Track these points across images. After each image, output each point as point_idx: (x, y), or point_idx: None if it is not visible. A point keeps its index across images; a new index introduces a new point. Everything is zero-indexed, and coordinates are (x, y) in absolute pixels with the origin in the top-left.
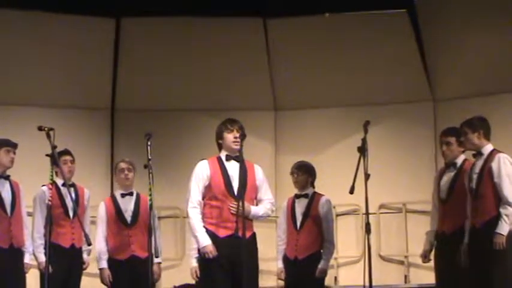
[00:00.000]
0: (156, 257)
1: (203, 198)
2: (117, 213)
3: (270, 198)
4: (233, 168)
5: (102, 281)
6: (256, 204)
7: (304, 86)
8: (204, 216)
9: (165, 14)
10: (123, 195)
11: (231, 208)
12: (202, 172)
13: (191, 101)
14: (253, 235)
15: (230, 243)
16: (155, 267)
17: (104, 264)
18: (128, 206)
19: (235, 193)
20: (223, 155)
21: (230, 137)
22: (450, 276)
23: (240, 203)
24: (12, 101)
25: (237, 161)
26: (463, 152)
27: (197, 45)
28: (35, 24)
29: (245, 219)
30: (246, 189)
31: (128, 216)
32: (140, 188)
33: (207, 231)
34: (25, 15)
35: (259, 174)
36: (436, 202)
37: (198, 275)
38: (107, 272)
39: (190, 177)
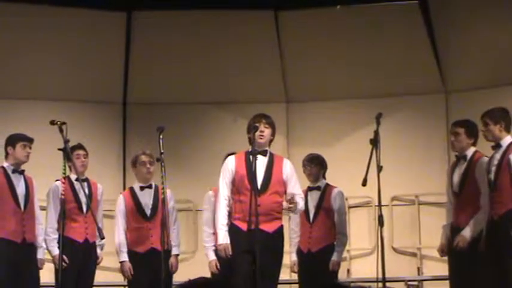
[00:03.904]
0: (167, 250)
1: (232, 193)
2: (136, 207)
3: (300, 193)
4: (259, 162)
5: (123, 274)
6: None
7: (315, 78)
8: (232, 211)
9: (176, 7)
10: (142, 188)
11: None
12: (228, 167)
13: (203, 94)
14: (280, 228)
15: (252, 236)
16: (172, 259)
17: (125, 257)
18: (147, 199)
19: (259, 187)
20: (251, 149)
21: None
22: (464, 269)
23: (254, 198)
24: (25, 95)
25: (264, 155)
26: (474, 144)
27: (208, 38)
28: (46, 18)
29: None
30: (269, 183)
31: (148, 209)
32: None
33: (234, 226)
34: (36, 9)
35: (287, 168)
36: (451, 196)
37: (219, 267)
38: (128, 265)
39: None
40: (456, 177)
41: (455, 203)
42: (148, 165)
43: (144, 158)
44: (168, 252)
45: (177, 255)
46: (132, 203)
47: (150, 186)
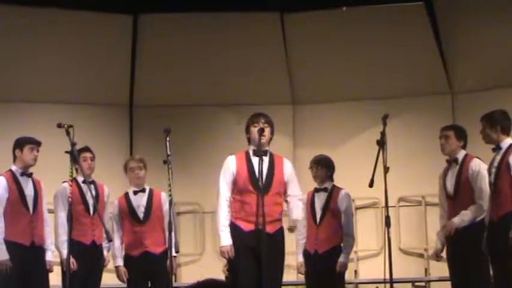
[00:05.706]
0: (177, 252)
1: (232, 193)
2: (129, 211)
3: (298, 194)
4: (260, 163)
5: (119, 278)
6: (286, 201)
7: (322, 79)
8: (232, 210)
9: (183, 10)
10: (135, 192)
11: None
12: (229, 167)
13: (209, 96)
14: (281, 229)
15: (255, 237)
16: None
17: (120, 261)
18: (140, 202)
19: (260, 188)
20: (250, 149)
21: (255, 130)
22: (465, 272)
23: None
24: (31, 98)
25: (265, 156)
26: (464, 147)
27: (215, 40)
28: (53, 21)
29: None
30: (271, 184)
31: (141, 212)
32: (159, 184)
33: (235, 225)
34: (43, 12)
35: (287, 168)
36: (443, 201)
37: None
38: (123, 270)
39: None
40: (450, 181)
41: (450, 207)
42: (137, 171)
43: (132, 163)
44: (166, 254)
45: (175, 256)
46: (126, 207)
47: (143, 190)
